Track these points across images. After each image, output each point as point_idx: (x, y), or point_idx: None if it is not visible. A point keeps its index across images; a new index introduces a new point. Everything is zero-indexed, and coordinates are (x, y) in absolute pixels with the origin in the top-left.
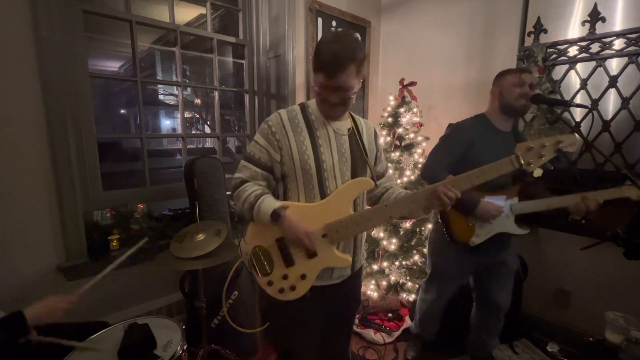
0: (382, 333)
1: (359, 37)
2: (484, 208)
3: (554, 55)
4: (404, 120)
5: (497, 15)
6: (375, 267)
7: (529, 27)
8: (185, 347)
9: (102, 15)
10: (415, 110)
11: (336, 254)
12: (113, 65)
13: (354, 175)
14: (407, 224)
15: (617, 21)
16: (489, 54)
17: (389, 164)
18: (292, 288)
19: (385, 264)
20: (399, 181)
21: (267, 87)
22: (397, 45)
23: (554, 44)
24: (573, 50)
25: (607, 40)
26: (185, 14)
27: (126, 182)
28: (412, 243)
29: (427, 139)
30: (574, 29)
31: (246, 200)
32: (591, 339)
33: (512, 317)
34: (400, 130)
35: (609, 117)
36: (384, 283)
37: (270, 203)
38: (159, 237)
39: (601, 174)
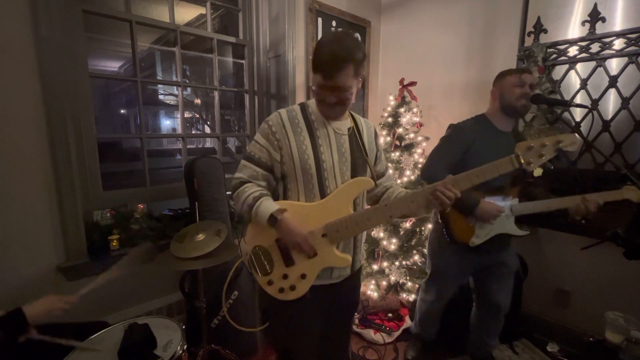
0: (382, 333)
1: (359, 38)
2: (484, 208)
3: (554, 55)
4: (404, 120)
5: (497, 15)
6: (375, 267)
7: (529, 27)
8: (185, 347)
9: (102, 15)
10: (415, 110)
11: (336, 253)
12: (113, 65)
13: (354, 175)
14: (407, 224)
15: (617, 21)
16: (489, 54)
17: (389, 164)
18: (292, 288)
19: (385, 264)
20: (399, 181)
21: (267, 87)
22: (397, 45)
23: (554, 44)
24: (573, 50)
25: (607, 40)
26: (185, 14)
27: (126, 182)
28: (412, 243)
29: (427, 139)
30: (574, 29)
31: (245, 202)
32: (591, 339)
33: (512, 317)
34: (400, 130)
35: (609, 117)
36: (384, 283)
37: (267, 206)
38: (159, 237)
39: (601, 174)
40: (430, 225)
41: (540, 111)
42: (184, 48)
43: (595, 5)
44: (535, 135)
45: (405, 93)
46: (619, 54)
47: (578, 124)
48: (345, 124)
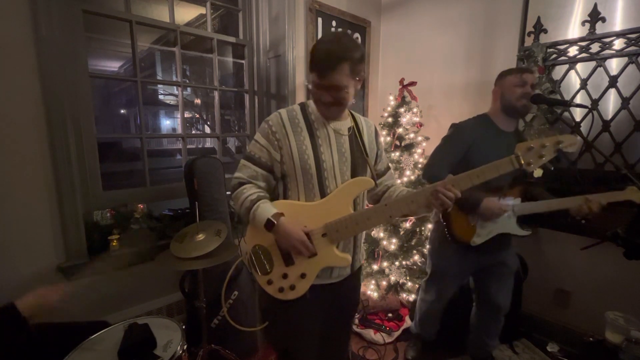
0: (382, 333)
1: (359, 38)
2: (487, 206)
3: (554, 55)
4: (404, 120)
5: (497, 15)
6: (375, 267)
7: (529, 27)
8: (185, 347)
9: (102, 15)
10: (415, 110)
11: (336, 253)
12: (113, 65)
13: (354, 175)
14: (407, 224)
15: (617, 21)
16: (489, 54)
17: (390, 164)
18: (292, 287)
19: (385, 264)
20: (398, 181)
21: (267, 87)
22: (397, 45)
23: (554, 44)
24: (573, 50)
25: (607, 40)
26: (185, 14)
27: (126, 182)
28: (412, 243)
29: (427, 139)
30: (574, 29)
31: (242, 205)
32: (591, 339)
33: (512, 317)
34: (400, 130)
35: (609, 117)
36: (384, 283)
37: (265, 210)
38: (159, 237)
39: (601, 174)
40: (430, 225)
41: (540, 111)
42: (184, 48)
43: (595, 5)
44: (535, 135)
45: (405, 93)
46: (619, 54)
47: (578, 124)
48: (345, 124)
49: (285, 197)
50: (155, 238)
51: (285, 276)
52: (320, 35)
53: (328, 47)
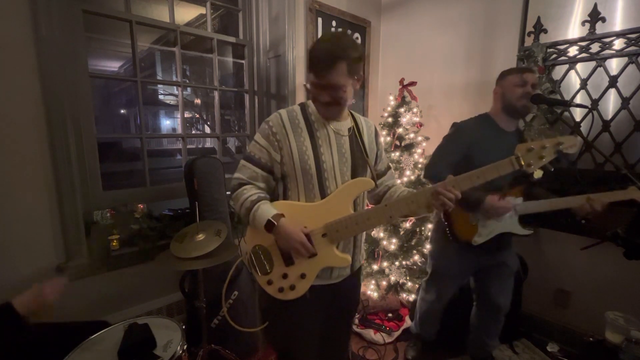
0: (382, 333)
1: (359, 38)
2: (491, 204)
3: (554, 55)
4: (404, 120)
5: (497, 15)
6: (375, 267)
7: (529, 27)
8: (185, 347)
9: (102, 15)
10: (415, 110)
11: (336, 253)
12: (113, 65)
13: (354, 175)
14: (407, 224)
15: (617, 21)
16: (489, 54)
17: (390, 164)
18: (292, 287)
19: (385, 264)
20: (398, 181)
21: (267, 87)
22: (397, 45)
23: (554, 44)
24: (573, 50)
25: (607, 40)
26: (185, 14)
27: (126, 182)
28: (412, 243)
29: (427, 139)
30: (574, 29)
31: (243, 205)
32: (591, 339)
33: (512, 317)
34: (400, 130)
35: (609, 117)
36: (384, 283)
37: (265, 211)
38: (159, 237)
39: (601, 174)
40: (430, 225)
41: (540, 111)
42: (184, 48)
43: (595, 5)
44: (535, 136)
45: (405, 93)
46: (619, 54)
47: (578, 124)
48: (345, 124)
49: (285, 198)
50: (155, 238)
51: (285, 276)
52: (320, 35)
53: (325, 46)
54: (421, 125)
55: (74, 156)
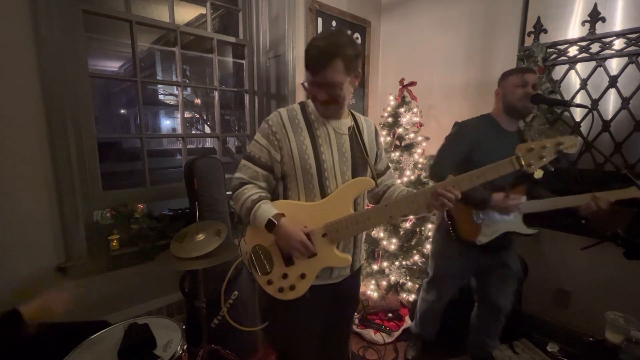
0: (382, 333)
1: (358, 37)
2: (499, 199)
3: (554, 55)
4: (404, 120)
5: (497, 15)
6: (375, 267)
7: (529, 27)
8: (185, 347)
9: (102, 15)
10: (415, 110)
11: (336, 253)
12: (113, 65)
13: (354, 174)
14: (407, 224)
15: (617, 21)
16: (489, 54)
17: (389, 163)
18: (292, 287)
19: (385, 264)
20: (398, 181)
21: (267, 87)
22: (397, 45)
23: (554, 44)
24: (573, 50)
25: (607, 40)
26: (185, 14)
27: (126, 182)
28: (412, 243)
29: (427, 139)
30: (574, 29)
31: (243, 205)
32: (591, 339)
33: (512, 317)
34: (400, 130)
35: (609, 117)
36: (384, 283)
37: (266, 210)
38: (159, 237)
39: (601, 174)
40: (430, 225)
41: (540, 111)
42: (184, 48)
43: (595, 5)
44: (535, 135)
45: (405, 93)
46: (619, 54)
47: (578, 124)
48: (345, 123)
49: (285, 197)
50: (155, 238)
51: (285, 276)
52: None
53: (320, 44)
54: (421, 125)
55: (74, 156)
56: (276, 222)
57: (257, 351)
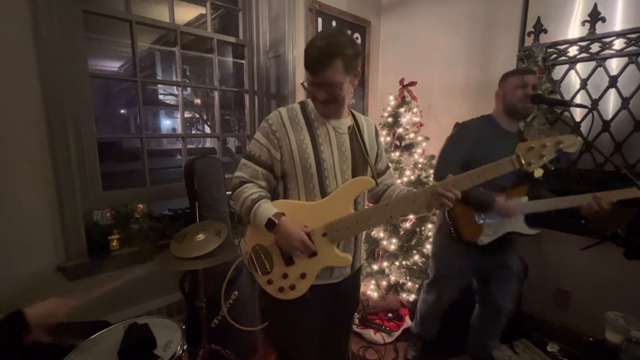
0: (382, 333)
1: (358, 37)
2: (503, 204)
3: (554, 55)
4: (404, 120)
5: (497, 15)
6: (375, 267)
7: (529, 27)
8: (185, 347)
9: (102, 15)
10: (415, 110)
11: (336, 253)
12: (113, 65)
13: (354, 174)
14: (407, 224)
15: (617, 21)
16: (489, 54)
17: (389, 163)
18: (292, 287)
19: (385, 264)
20: (398, 181)
21: (267, 87)
22: (397, 45)
23: (554, 44)
24: (573, 50)
25: (607, 40)
26: (185, 14)
27: (126, 182)
28: (412, 243)
29: (427, 139)
30: (574, 29)
31: (243, 204)
32: (591, 339)
33: (512, 317)
34: (400, 130)
35: (609, 117)
36: (384, 283)
37: (266, 209)
38: (159, 237)
39: (601, 174)
40: (430, 225)
41: (540, 111)
42: (184, 48)
43: (595, 5)
44: (535, 135)
45: (405, 93)
46: (619, 54)
47: (578, 124)
48: (345, 122)
49: (285, 197)
50: (155, 238)
51: (285, 276)
52: None
53: (320, 43)
54: (421, 125)
55: (74, 156)
56: (276, 221)
57: (257, 351)
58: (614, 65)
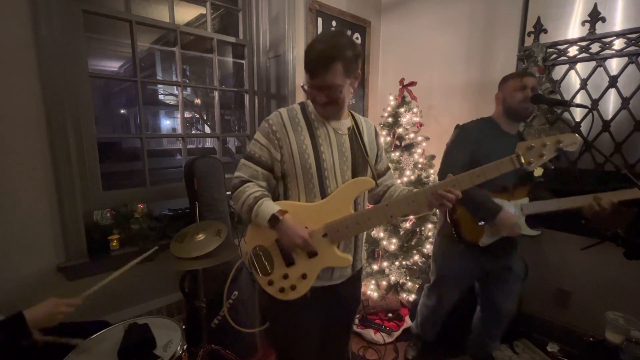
0: (382, 333)
1: (358, 37)
2: (504, 218)
3: (554, 55)
4: (404, 120)
5: (497, 15)
6: (375, 267)
7: (529, 27)
8: (185, 347)
9: (102, 15)
10: (415, 110)
11: (337, 253)
12: (113, 65)
13: (354, 174)
14: (407, 224)
15: (617, 21)
16: (489, 54)
17: (389, 164)
18: (293, 288)
19: (385, 264)
20: (398, 181)
21: (267, 87)
22: (397, 45)
23: (554, 44)
24: (573, 50)
25: (607, 40)
26: (185, 14)
27: (126, 182)
28: (412, 243)
29: (427, 139)
30: (574, 29)
31: (245, 202)
32: (591, 339)
33: (513, 317)
34: (400, 130)
35: (609, 117)
36: (384, 283)
37: (268, 206)
38: (159, 237)
39: (601, 174)
40: (430, 225)
41: (540, 111)
42: (184, 48)
43: (595, 5)
44: (535, 135)
45: (405, 93)
46: (619, 54)
47: (578, 124)
48: (345, 123)
49: (285, 197)
50: (155, 238)
51: (286, 277)
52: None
53: (320, 46)
54: (421, 125)
55: (74, 156)
56: (280, 217)
57: (257, 351)
58: (614, 65)
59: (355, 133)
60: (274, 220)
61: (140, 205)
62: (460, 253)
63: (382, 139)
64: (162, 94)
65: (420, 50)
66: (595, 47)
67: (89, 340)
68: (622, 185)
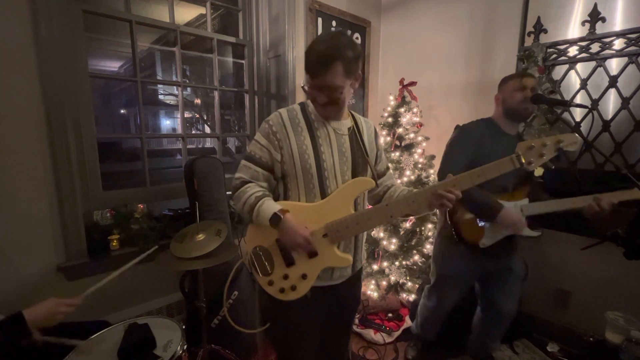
0: (382, 333)
1: (358, 38)
2: (505, 216)
3: (554, 55)
4: (404, 120)
5: (497, 15)
6: (375, 267)
7: (529, 27)
8: (185, 347)
9: (102, 15)
10: (415, 110)
11: (337, 253)
12: (113, 65)
13: (354, 174)
14: (407, 224)
15: (617, 21)
16: (489, 54)
17: (389, 164)
18: (293, 288)
19: (385, 264)
20: (398, 181)
21: (267, 87)
22: (397, 45)
23: (554, 44)
24: (573, 50)
25: (607, 40)
26: (185, 14)
27: (126, 182)
28: (412, 243)
29: (427, 139)
30: (574, 29)
31: (246, 202)
32: (591, 339)
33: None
34: (400, 130)
35: (609, 117)
36: (384, 283)
37: (270, 206)
38: (159, 237)
39: (601, 174)
40: (430, 225)
41: (540, 111)
42: (184, 48)
43: (595, 5)
44: (535, 135)
45: (405, 93)
46: (619, 54)
47: (578, 124)
48: (345, 123)
49: (285, 198)
50: (155, 238)
51: (286, 277)
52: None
53: (320, 47)
54: (421, 125)
55: (74, 156)
56: (282, 216)
57: (257, 351)
58: (614, 65)
59: (355, 133)
60: (276, 219)
61: (140, 205)
62: (460, 254)
63: (382, 139)
64: (162, 94)
65: (420, 50)
66: (595, 47)
67: (89, 341)
68: (622, 185)
